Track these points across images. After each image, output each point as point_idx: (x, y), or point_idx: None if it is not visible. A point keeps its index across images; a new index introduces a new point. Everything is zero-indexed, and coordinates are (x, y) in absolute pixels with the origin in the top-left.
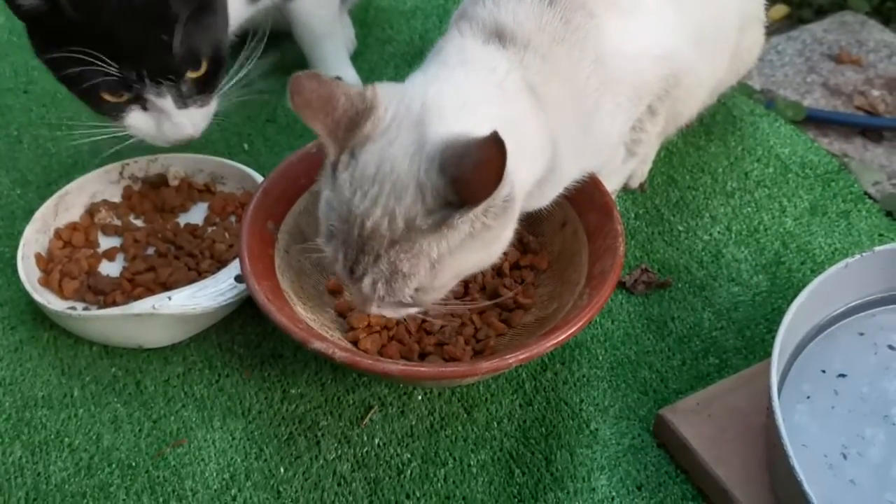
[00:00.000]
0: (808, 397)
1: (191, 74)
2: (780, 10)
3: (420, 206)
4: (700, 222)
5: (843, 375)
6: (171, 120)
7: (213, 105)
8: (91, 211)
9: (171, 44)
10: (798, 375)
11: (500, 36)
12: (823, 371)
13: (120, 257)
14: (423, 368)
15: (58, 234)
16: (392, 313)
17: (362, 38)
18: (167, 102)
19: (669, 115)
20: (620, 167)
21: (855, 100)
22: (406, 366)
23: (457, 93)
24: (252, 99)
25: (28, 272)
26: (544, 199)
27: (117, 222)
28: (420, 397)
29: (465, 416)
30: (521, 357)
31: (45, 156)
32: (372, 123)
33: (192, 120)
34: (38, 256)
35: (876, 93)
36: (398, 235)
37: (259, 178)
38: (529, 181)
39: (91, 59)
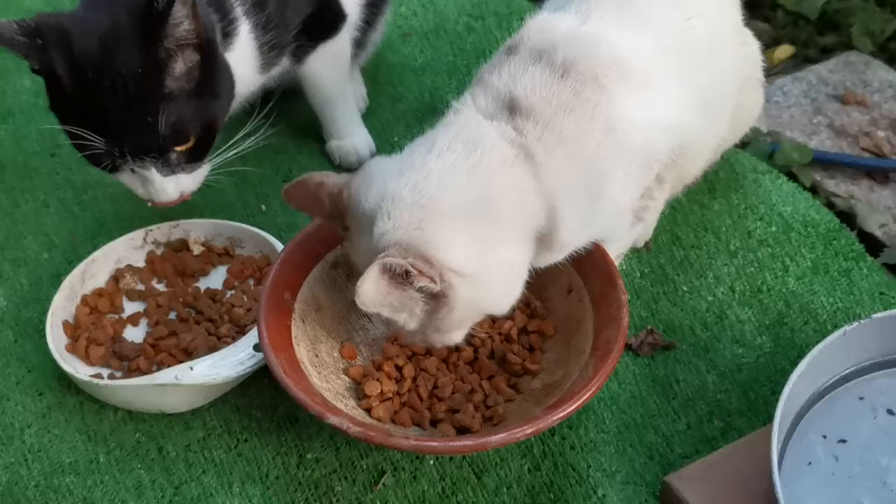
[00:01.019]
0: (810, 463)
1: (178, 148)
2: (786, 50)
3: None
4: (704, 282)
5: (843, 441)
6: (153, 186)
7: (204, 169)
8: (116, 276)
9: (157, 125)
10: (799, 441)
11: (510, 107)
12: (824, 436)
13: (143, 322)
14: (433, 444)
15: (84, 300)
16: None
17: (373, 96)
18: (151, 173)
19: (676, 177)
20: (627, 232)
21: (860, 141)
22: (417, 441)
23: (420, 187)
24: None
25: (56, 340)
26: (553, 258)
27: (141, 287)
28: (431, 462)
29: (476, 480)
30: (528, 432)
31: (70, 219)
32: (350, 219)
33: (179, 185)
34: (66, 324)
35: (881, 133)
36: None
37: (275, 242)
38: (519, 256)
39: (81, 132)
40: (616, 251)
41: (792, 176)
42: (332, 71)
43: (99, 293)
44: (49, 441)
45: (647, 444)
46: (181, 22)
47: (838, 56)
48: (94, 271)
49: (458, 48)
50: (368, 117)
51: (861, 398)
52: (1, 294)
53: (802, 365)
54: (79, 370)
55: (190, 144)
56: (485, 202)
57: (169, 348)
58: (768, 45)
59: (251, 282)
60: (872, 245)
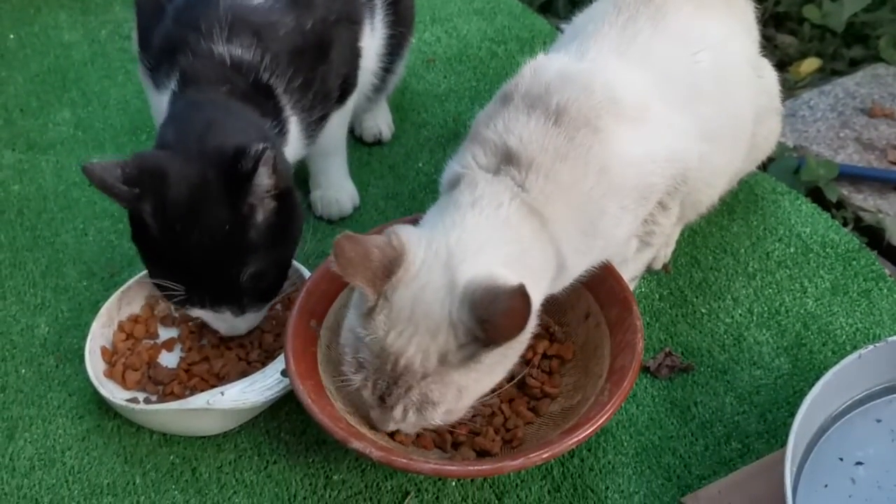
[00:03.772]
0: (826, 486)
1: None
2: (812, 63)
3: (452, 343)
4: (722, 304)
5: (860, 463)
6: (226, 322)
7: (268, 304)
8: (151, 303)
9: (238, 279)
10: (816, 464)
11: (507, 159)
12: (841, 459)
13: (178, 347)
14: (451, 468)
15: (121, 326)
16: (410, 429)
17: (398, 123)
18: (225, 315)
19: (689, 203)
20: (636, 256)
21: (889, 154)
22: (436, 465)
23: (472, 237)
24: None
25: (94, 366)
26: (559, 285)
27: (175, 314)
28: (454, 483)
29: (497, 502)
30: (543, 457)
31: (108, 248)
32: (403, 269)
33: (247, 321)
34: (104, 349)
35: None
36: (431, 369)
37: (303, 269)
38: (539, 298)
39: (162, 281)
40: (629, 275)
41: (818, 191)
42: (338, 128)
43: (135, 320)
44: (88, 463)
45: (665, 466)
46: (263, 181)
47: (865, 69)
48: (129, 298)
49: (480, 73)
50: (394, 144)
51: (879, 420)
52: (43, 321)
53: (816, 389)
54: (115, 395)
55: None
56: (522, 252)
57: (202, 373)
58: (795, 58)
59: (279, 307)
60: None
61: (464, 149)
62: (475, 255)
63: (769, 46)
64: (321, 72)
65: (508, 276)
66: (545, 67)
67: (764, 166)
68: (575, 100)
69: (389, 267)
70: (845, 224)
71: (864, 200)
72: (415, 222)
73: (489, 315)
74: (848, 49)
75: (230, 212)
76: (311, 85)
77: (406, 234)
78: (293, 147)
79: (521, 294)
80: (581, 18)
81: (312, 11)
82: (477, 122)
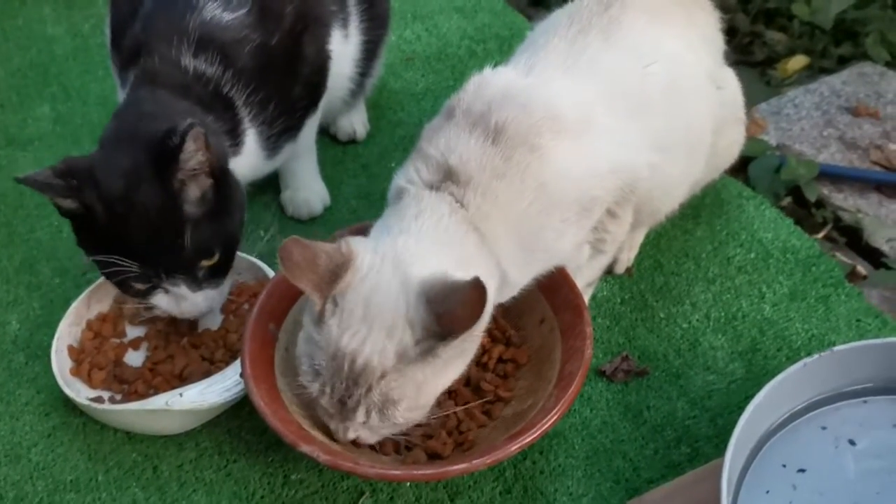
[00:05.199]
0: (767, 492)
1: (205, 263)
2: (800, 60)
3: (409, 339)
4: (681, 309)
5: (802, 470)
6: (186, 300)
7: (227, 284)
8: (120, 302)
9: (183, 245)
10: (758, 470)
11: (448, 175)
12: (784, 465)
13: (144, 346)
14: (395, 472)
15: (89, 325)
16: (370, 436)
17: (374, 121)
18: (182, 289)
19: (647, 212)
20: (590, 263)
21: (871, 154)
22: (381, 469)
23: (419, 244)
24: None
25: (61, 365)
26: (501, 299)
27: (143, 313)
28: (408, 484)
29: (449, 502)
30: (487, 462)
31: None
32: (351, 273)
33: (207, 298)
34: (70, 348)
35: (893, 146)
36: (389, 367)
37: (266, 269)
38: (491, 295)
39: (116, 259)
40: (583, 281)
41: (798, 190)
42: (307, 130)
43: (103, 318)
44: (53, 460)
45: (615, 469)
46: (192, 156)
47: (852, 67)
48: (99, 297)
49: (458, 73)
50: (368, 143)
51: (824, 428)
52: (15, 318)
53: (759, 397)
54: (81, 393)
55: (215, 260)
56: (468, 257)
57: (165, 373)
58: (784, 55)
59: (246, 306)
60: (878, 260)
61: (408, 163)
62: (424, 258)
63: (758, 43)
64: (285, 86)
65: (460, 275)
66: (489, 83)
67: (744, 165)
68: (513, 119)
69: (336, 272)
70: (825, 223)
71: (844, 200)
72: (360, 231)
73: (445, 308)
74: (836, 47)
75: (161, 190)
76: (272, 99)
77: (354, 241)
78: (251, 160)
79: (476, 286)
80: (540, 27)
81: (280, 24)
82: (423, 136)
